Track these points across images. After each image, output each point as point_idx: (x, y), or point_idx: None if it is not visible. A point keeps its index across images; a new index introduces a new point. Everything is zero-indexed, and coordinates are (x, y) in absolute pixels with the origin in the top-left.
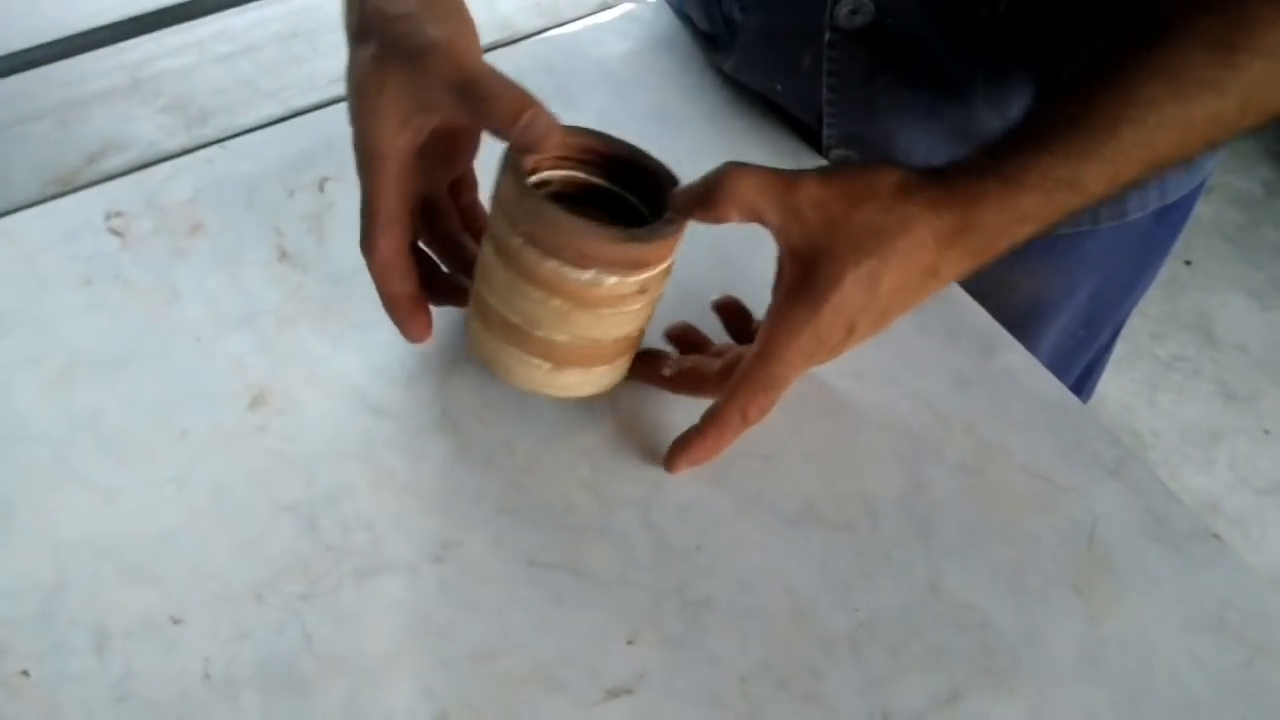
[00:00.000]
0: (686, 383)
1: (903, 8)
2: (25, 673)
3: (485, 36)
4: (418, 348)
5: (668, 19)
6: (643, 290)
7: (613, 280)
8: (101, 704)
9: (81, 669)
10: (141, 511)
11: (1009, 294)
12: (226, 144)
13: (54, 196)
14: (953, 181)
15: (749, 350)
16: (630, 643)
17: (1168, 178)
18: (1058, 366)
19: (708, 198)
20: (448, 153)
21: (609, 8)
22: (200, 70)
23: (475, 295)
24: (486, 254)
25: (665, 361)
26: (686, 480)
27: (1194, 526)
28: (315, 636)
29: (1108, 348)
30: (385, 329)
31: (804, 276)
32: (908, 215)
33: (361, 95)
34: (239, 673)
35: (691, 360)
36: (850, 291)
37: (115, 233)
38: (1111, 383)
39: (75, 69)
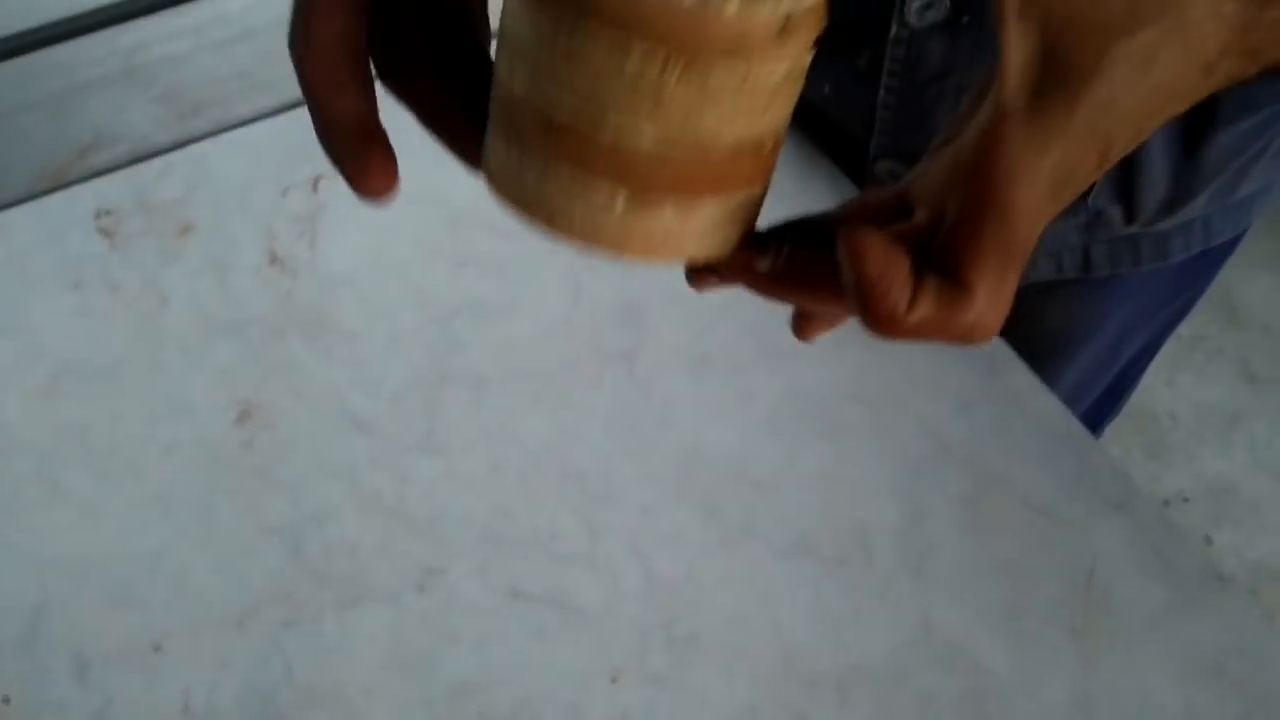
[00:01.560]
0: (872, 242)
1: (983, 3)
2: (6, 699)
3: None
4: (408, 364)
5: None
6: (784, 33)
7: (732, 7)
8: None
9: (62, 697)
10: (126, 531)
11: (1035, 324)
12: (219, 138)
13: (44, 192)
14: None
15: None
16: (614, 680)
17: (1212, 220)
18: (1081, 391)
19: None
20: None
21: None
22: (195, 58)
23: (497, 97)
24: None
25: (768, 245)
26: (677, 508)
27: (1198, 567)
28: (296, 667)
29: (1138, 370)
30: (376, 339)
31: (1050, 53)
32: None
33: None
34: (219, 704)
35: (813, 230)
36: (1120, 79)
37: (105, 233)
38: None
39: (67, 55)
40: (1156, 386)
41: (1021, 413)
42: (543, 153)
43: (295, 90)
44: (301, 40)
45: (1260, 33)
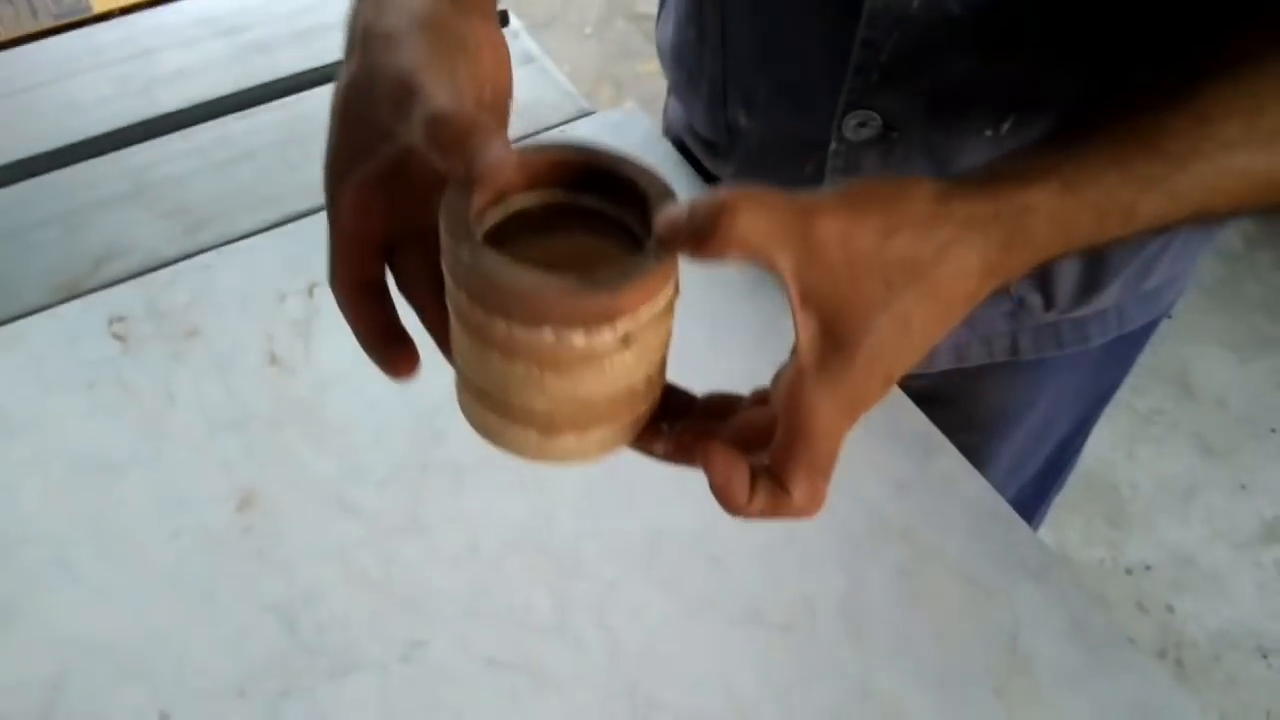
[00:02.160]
0: (685, 455)
1: (909, 124)
2: None
3: None
4: (394, 454)
5: (645, 125)
6: (626, 341)
7: (578, 338)
8: None
9: None
10: (135, 610)
11: (975, 403)
12: (223, 249)
13: (61, 301)
14: (1000, 189)
15: (769, 417)
16: None
17: (1125, 307)
18: (1019, 463)
19: (701, 234)
20: (422, 186)
21: (587, 115)
22: (200, 177)
23: (454, 361)
24: (450, 314)
25: (658, 436)
26: (640, 581)
27: (1111, 631)
28: None
29: (1077, 446)
30: (364, 432)
31: (824, 330)
32: (947, 241)
33: (331, 119)
34: None
35: (695, 428)
36: (882, 340)
37: (117, 337)
38: (1090, 435)
39: (80, 175)
40: (1117, 459)
41: (953, 493)
42: (480, 405)
43: (292, 205)
44: (331, 280)
45: (1019, 252)
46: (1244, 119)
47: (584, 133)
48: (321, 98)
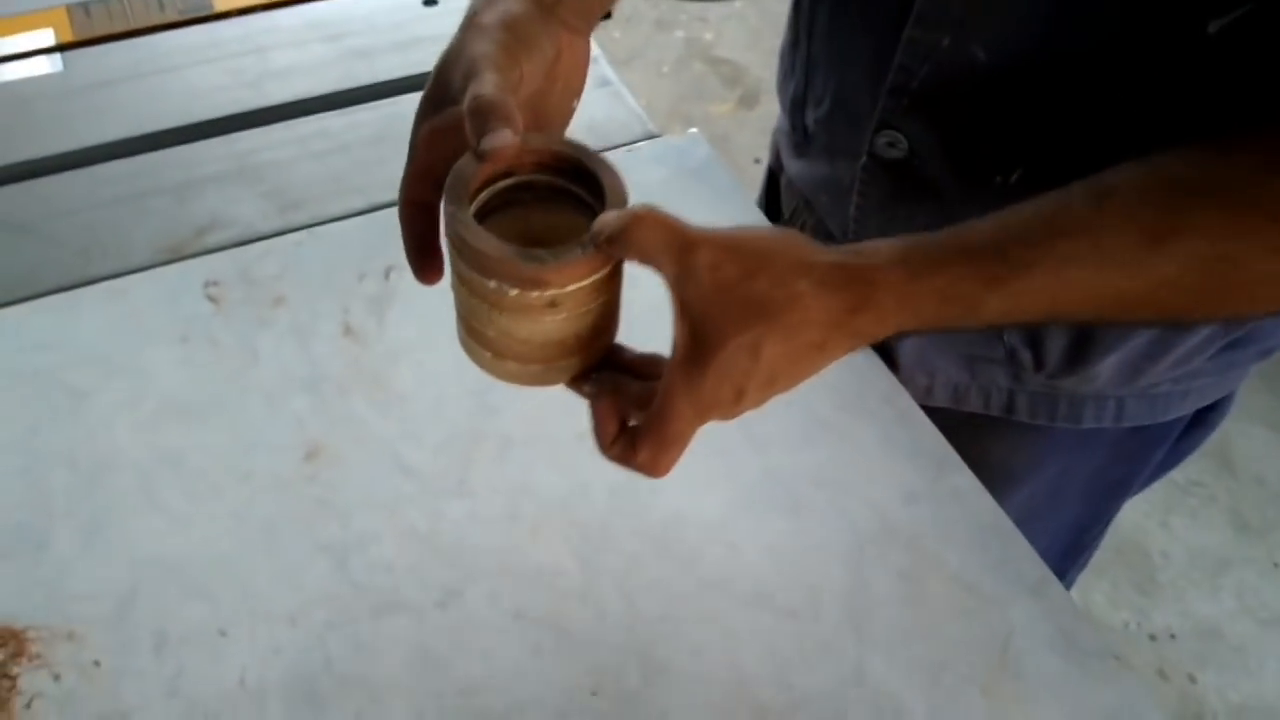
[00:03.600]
0: (608, 402)
1: (929, 153)
2: (97, 663)
3: None
4: (449, 423)
5: (704, 153)
6: (553, 304)
7: (514, 292)
8: (155, 696)
9: (142, 666)
10: (205, 538)
11: (981, 455)
12: (312, 230)
13: (164, 263)
14: (856, 263)
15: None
16: (594, 694)
17: (1125, 401)
18: (1023, 528)
19: (612, 237)
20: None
21: (653, 137)
22: (298, 163)
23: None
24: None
25: (587, 380)
26: (660, 558)
27: (1098, 647)
28: (335, 659)
29: (1097, 533)
30: (424, 402)
31: (691, 337)
32: (798, 293)
33: (432, 72)
34: (269, 683)
35: (612, 381)
36: (732, 359)
37: (211, 299)
38: (1110, 524)
39: (193, 154)
40: (1150, 526)
41: (961, 507)
42: (460, 325)
43: (378, 196)
44: (402, 191)
45: (865, 318)
46: (1090, 242)
47: (648, 155)
48: (412, 103)
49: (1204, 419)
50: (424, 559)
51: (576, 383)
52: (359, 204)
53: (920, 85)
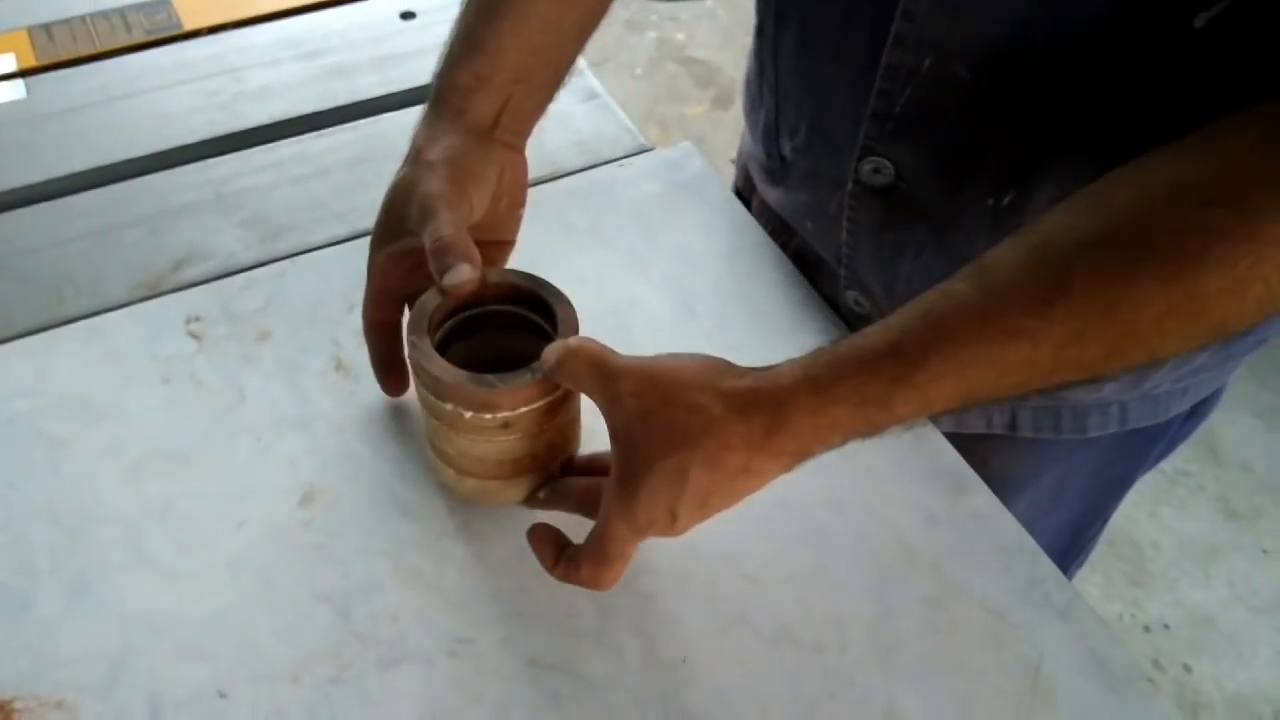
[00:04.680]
0: (555, 501)
1: (918, 177)
2: None
3: (532, 172)
4: None
5: (698, 165)
6: (506, 425)
7: (469, 414)
8: None
9: None
10: (198, 593)
11: (980, 466)
12: (296, 259)
13: (142, 299)
14: (764, 386)
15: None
16: None
17: (1129, 405)
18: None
19: (553, 367)
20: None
21: (645, 151)
22: (277, 189)
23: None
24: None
25: (540, 488)
26: (677, 595)
27: (1131, 670)
28: (341, 717)
29: (1093, 533)
30: (420, 438)
31: (623, 461)
32: (712, 419)
33: (383, 202)
34: None
35: (562, 484)
36: (660, 483)
37: (194, 336)
38: (1108, 521)
39: (166, 182)
40: (1140, 518)
41: (981, 529)
42: (426, 443)
43: (362, 221)
44: (365, 313)
45: (784, 438)
46: (979, 319)
47: (640, 170)
48: (393, 121)
49: (1198, 410)
50: (431, 605)
51: (531, 501)
52: (342, 231)
53: (903, 109)
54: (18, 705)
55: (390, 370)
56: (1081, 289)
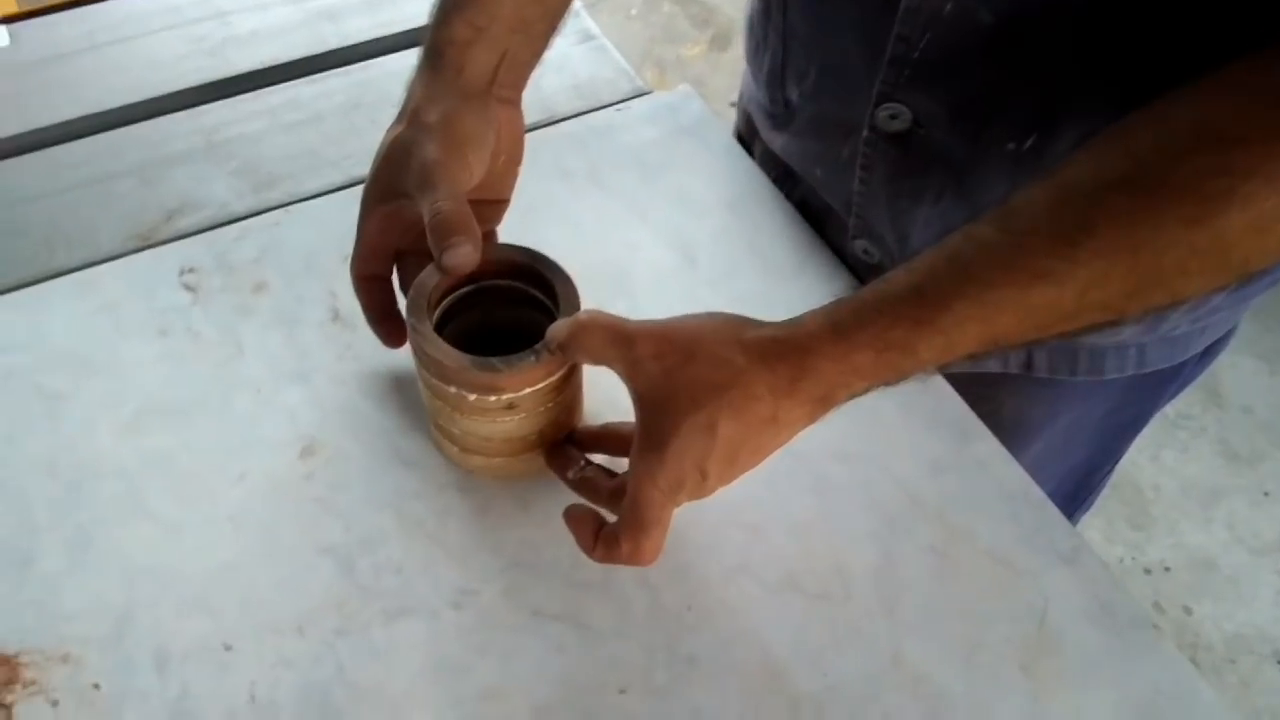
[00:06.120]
0: (584, 491)
1: (936, 123)
2: (97, 686)
3: (528, 117)
4: None
5: (697, 108)
6: (511, 406)
7: (473, 397)
8: (160, 718)
9: (145, 686)
10: (201, 546)
11: (994, 411)
12: (290, 208)
13: (135, 251)
14: (787, 335)
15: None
16: (622, 692)
17: (1146, 347)
18: (1035, 476)
19: (564, 344)
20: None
21: (642, 94)
22: (269, 137)
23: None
24: None
25: (571, 464)
26: (680, 546)
27: (1136, 616)
28: (347, 669)
29: (1103, 474)
30: (423, 413)
31: (649, 424)
32: (737, 370)
33: (376, 156)
34: (280, 697)
35: (592, 471)
36: (689, 440)
37: (188, 288)
38: (1120, 462)
39: (156, 130)
40: (1142, 461)
41: (987, 476)
42: (430, 420)
43: (356, 169)
44: (354, 267)
45: (809, 384)
46: (1003, 262)
47: (639, 113)
48: (386, 66)
49: (1210, 350)
50: (434, 557)
51: (559, 468)
52: (336, 179)
53: (922, 55)
54: (24, 660)
55: (385, 322)
56: (1106, 231)
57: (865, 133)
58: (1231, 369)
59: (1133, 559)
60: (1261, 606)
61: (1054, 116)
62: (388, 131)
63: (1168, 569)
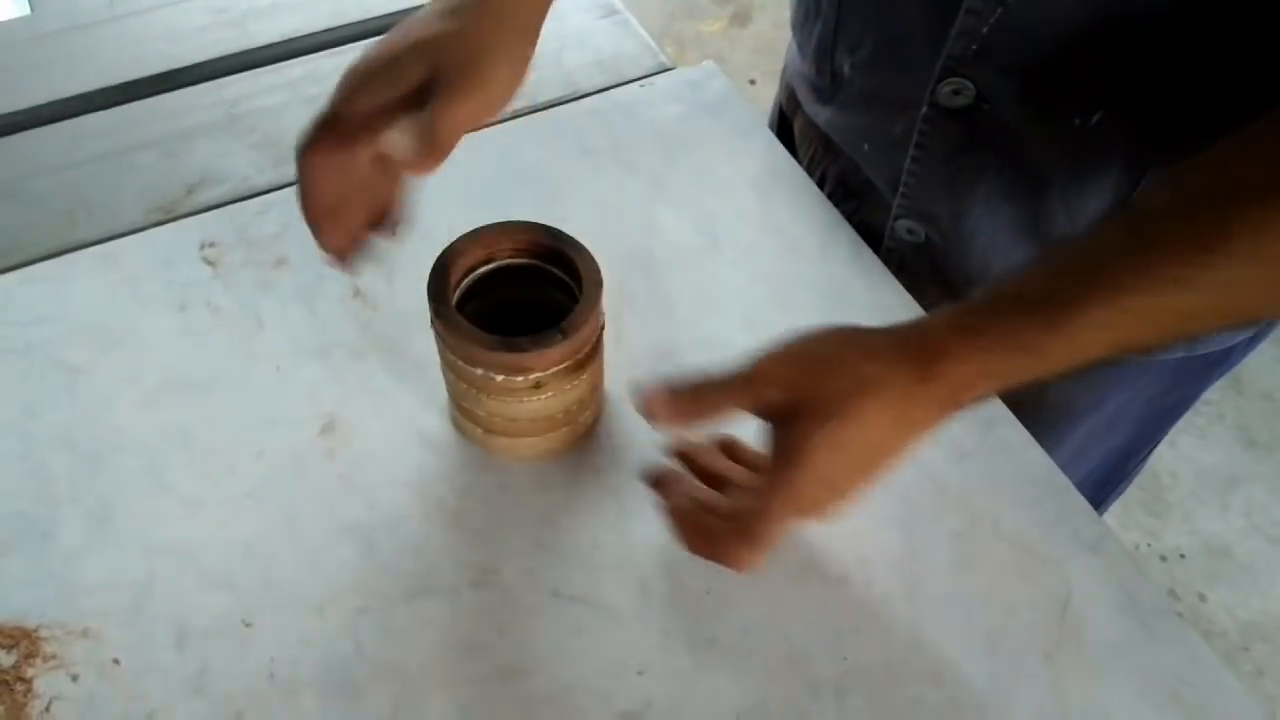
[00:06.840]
0: (687, 528)
1: (1002, 98)
2: (116, 661)
3: (549, 93)
4: None
5: (721, 85)
6: (537, 386)
7: (500, 378)
8: (180, 694)
9: (164, 662)
10: (221, 522)
11: (1040, 394)
12: None
13: (155, 224)
14: (909, 337)
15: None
16: (640, 673)
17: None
18: (1077, 458)
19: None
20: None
21: (666, 70)
22: (290, 109)
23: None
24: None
25: (672, 491)
26: None
27: (1159, 604)
28: (368, 647)
29: (1140, 459)
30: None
31: (780, 443)
32: (864, 375)
33: (395, 28)
34: (300, 675)
35: (698, 505)
36: (819, 455)
37: (209, 262)
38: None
39: (177, 102)
40: (1159, 448)
41: (1011, 463)
42: (451, 403)
43: None
44: (301, 143)
45: (937, 386)
46: (1136, 269)
47: (662, 89)
48: None
49: (1260, 333)
50: (455, 536)
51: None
52: None
53: (991, 29)
54: (43, 634)
55: (331, 220)
56: (1242, 237)
57: (924, 109)
58: (1251, 355)
59: (1148, 545)
60: (1277, 594)
61: (1122, 91)
62: (421, 9)
63: (1183, 556)
